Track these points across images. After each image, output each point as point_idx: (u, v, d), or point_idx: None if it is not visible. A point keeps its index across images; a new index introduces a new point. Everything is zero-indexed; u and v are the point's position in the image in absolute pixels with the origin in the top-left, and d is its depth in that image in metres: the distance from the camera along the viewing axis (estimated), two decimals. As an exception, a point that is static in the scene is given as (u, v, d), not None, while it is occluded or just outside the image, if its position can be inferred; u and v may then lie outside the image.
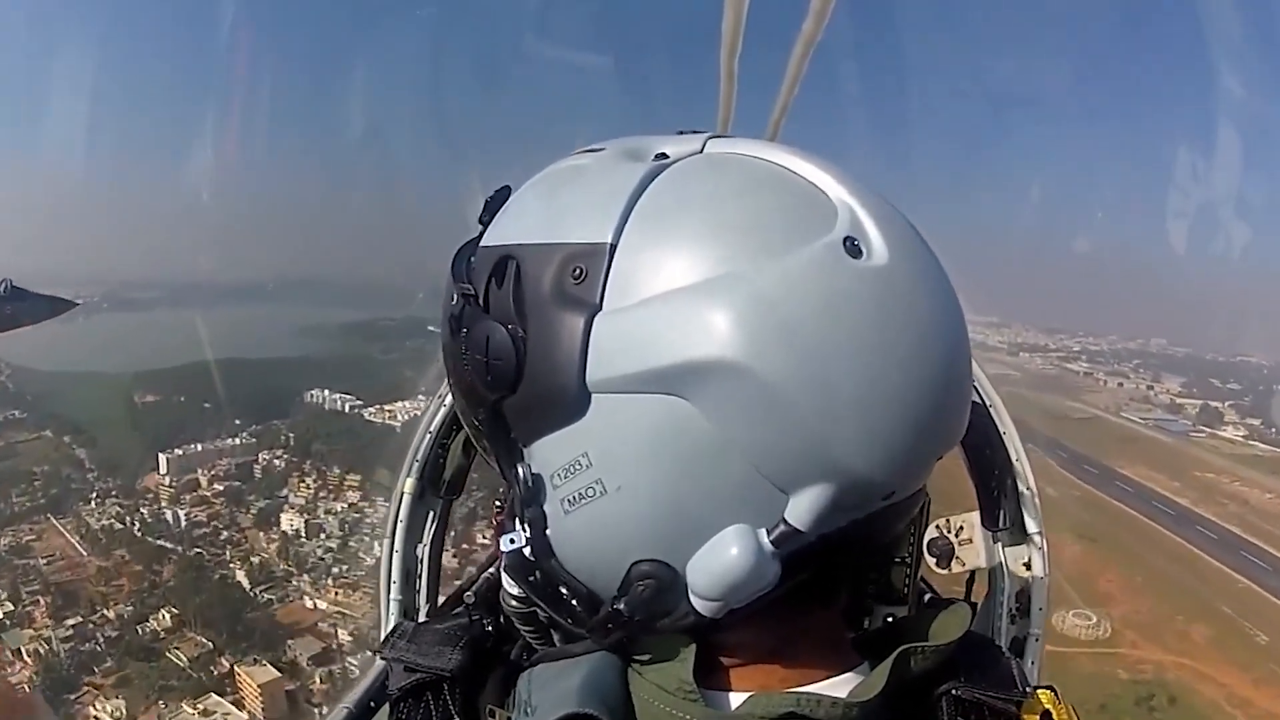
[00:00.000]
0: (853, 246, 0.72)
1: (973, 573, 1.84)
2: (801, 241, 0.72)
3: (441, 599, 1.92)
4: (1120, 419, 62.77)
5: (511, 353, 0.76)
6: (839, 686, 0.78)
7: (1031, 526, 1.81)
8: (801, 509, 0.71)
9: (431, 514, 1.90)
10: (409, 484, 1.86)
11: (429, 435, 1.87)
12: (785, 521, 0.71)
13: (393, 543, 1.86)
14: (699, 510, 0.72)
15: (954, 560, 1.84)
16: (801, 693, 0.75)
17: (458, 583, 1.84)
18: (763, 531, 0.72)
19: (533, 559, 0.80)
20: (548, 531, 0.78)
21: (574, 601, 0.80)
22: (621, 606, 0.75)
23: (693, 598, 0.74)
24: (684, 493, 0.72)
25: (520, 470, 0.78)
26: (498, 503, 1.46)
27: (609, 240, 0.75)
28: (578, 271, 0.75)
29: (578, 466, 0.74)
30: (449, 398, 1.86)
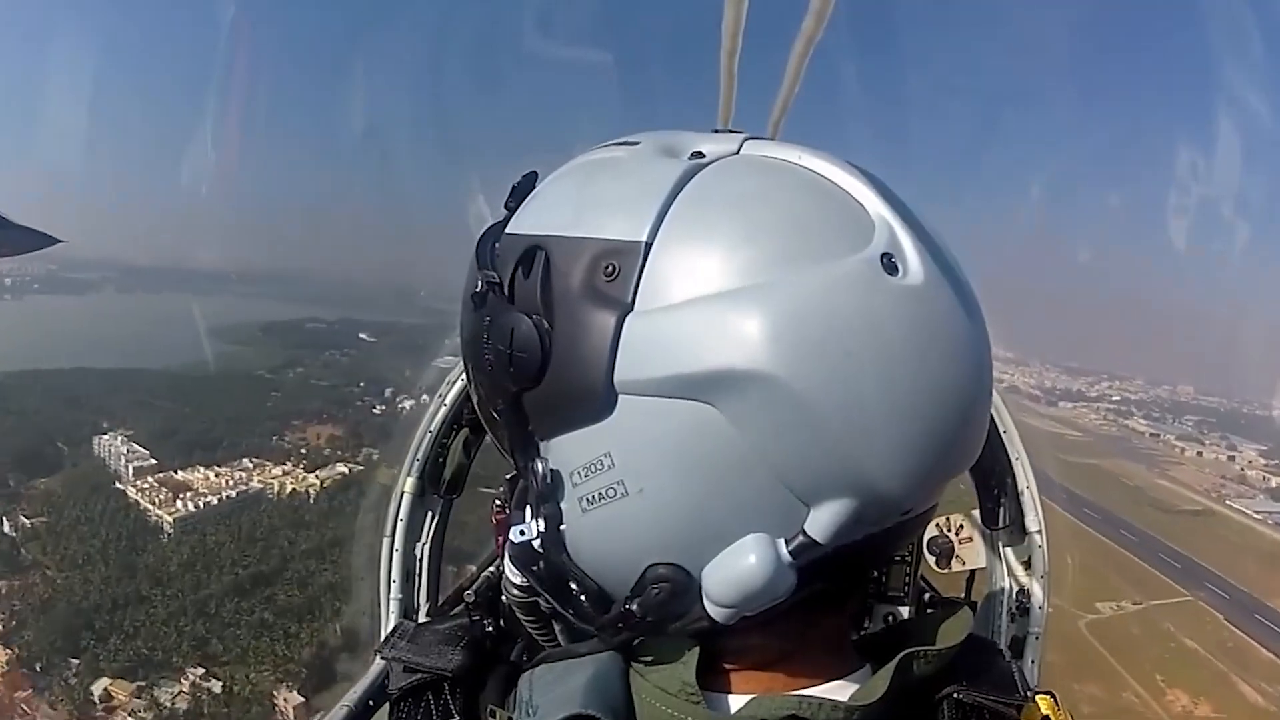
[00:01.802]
0: (889, 263, 0.72)
1: (973, 571, 1.87)
2: (839, 254, 0.72)
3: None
4: (1232, 512, 55.85)
5: (537, 346, 0.75)
6: (841, 690, 0.79)
7: (1031, 525, 1.83)
8: (822, 521, 0.72)
9: (431, 513, 1.92)
10: (409, 483, 1.88)
11: (429, 434, 1.89)
12: (804, 533, 0.72)
13: (393, 541, 1.87)
14: (719, 517, 0.73)
15: (954, 559, 1.86)
16: (802, 696, 0.76)
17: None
18: (781, 542, 0.72)
19: (541, 552, 0.80)
20: (562, 527, 0.78)
21: (582, 597, 0.81)
22: (634, 607, 0.75)
23: (707, 603, 0.75)
24: (706, 500, 0.72)
25: (539, 465, 0.78)
26: (498, 501, 1.48)
27: (643, 239, 0.74)
28: (610, 269, 0.74)
29: (599, 466, 0.74)
30: (449, 397, 1.89)
